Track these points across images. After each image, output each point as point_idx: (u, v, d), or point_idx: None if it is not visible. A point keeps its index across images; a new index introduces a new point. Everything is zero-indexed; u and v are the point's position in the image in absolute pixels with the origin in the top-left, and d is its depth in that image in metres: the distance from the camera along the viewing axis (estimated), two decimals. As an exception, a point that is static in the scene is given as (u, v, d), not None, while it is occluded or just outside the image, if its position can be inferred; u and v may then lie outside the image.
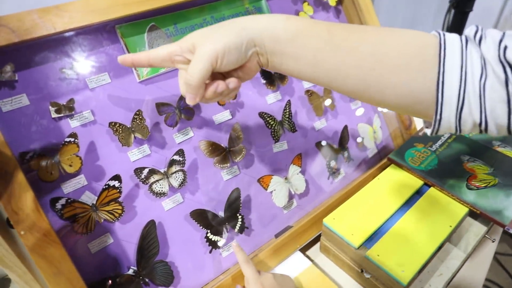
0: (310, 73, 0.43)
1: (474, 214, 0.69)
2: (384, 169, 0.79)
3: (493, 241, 0.71)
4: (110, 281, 0.56)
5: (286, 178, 0.73)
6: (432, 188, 0.72)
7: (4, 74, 0.51)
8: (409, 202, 0.71)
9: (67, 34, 0.56)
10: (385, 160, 0.81)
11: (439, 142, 0.80)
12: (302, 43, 0.41)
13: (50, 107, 0.54)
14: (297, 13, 0.79)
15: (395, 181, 0.74)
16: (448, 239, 0.66)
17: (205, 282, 0.65)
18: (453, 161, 0.75)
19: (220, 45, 0.40)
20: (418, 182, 0.74)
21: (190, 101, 0.43)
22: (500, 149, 0.77)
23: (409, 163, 0.76)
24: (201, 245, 0.65)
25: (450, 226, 0.65)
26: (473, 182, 0.70)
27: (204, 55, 0.40)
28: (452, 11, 1.12)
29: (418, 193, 0.73)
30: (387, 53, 0.38)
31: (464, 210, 0.68)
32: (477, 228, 0.69)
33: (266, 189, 0.71)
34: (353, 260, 0.65)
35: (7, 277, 0.60)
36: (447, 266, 0.64)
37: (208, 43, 0.40)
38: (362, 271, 0.64)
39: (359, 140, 0.84)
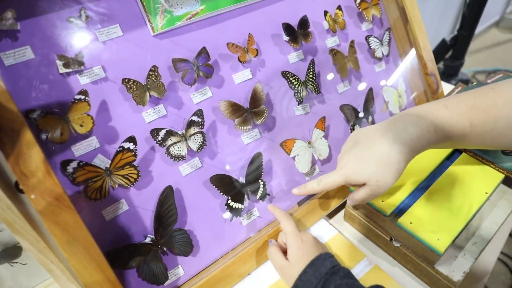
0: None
1: (509, 181, 0.65)
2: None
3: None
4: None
5: (309, 143, 0.68)
6: (464, 154, 0.68)
7: (4, 22, 0.45)
8: (440, 168, 0.66)
9: (73, -23, 0.50)
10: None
11: (471, 106, 0.75)
12: (450, 143, 0.51)
13: (57, 60, 0.49)
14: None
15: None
16: (483, 206, 0.62)
17: (225, 251, 0.62)
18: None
19: (390, 185, 0.48)
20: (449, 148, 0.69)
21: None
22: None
23: (439, 128, 0.71)
24: (221, 212, 0.61)
25: (486, 193, 0.61)
26: (509, 147, 0.66)
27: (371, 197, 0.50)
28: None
29: (449, 159, 0.69)
30: None
31: (499, 176, 0.64)
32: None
33: (289, 154, 0.66)
34: (381, 228, 0.62)
35: (19, 244, 0.57)
36: (481, 235, 0.60)
37: (382, 189, 0.48)
38: (391, 239, 0.61)
39: (384, 103, 0.79)
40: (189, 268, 0.59)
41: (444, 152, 0.68)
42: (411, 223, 0.57)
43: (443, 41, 1.99)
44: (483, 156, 0.66)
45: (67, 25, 0.50)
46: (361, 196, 0.50)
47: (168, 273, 0.57)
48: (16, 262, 0.58)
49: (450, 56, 2.08)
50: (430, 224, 0.57)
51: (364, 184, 0.49)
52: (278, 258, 0.56)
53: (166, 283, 0.57)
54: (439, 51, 2.05)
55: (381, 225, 0.61)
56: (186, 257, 0.58)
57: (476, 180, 0.63)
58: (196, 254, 0.60)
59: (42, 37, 0.49)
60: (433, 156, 0.67)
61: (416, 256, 0.58)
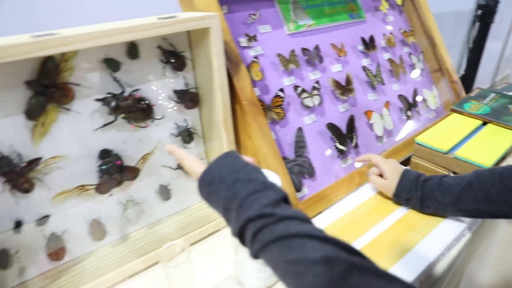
0: None
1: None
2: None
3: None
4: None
5: (381, 115, 0.97)
6: (489, 124, 0.97)
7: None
8: (476, 130, 0.95)
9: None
10: (448, 112, 1.07)
11: (488, 99, 1.06)
12: None
13: (242, 38, 0.80)
14: (376, 8, 1.09)
15: (461, 119, 1.00)
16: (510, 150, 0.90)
17: (331, 182, 0.86)
18: (502, 108, 1.01)
19: None
20: (478, 122, 0.98)
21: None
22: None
23: (469, 111, 1.01)
24: (328, 154, 0.87)
25: (509, 141, 0.89)
26: (520, 118, 0.96)
27: None
28: (477, 23, 1.45)
29: (479, 129, 0.98)
30: None
31: (513, 133, 0.93)
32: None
33: (369, 120, 0.94)
34: (442, 167, 0.87)
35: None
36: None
37: None
38: (449, 173, 0.86)
39: (420, 98, 1.10)
40: (310, 189, 0.82)
41: (475, 123, 0.97)
42: (464, 154, 0.83)
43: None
44: (505, 123, 0.95)
45: (247, 19, 0.82)
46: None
47: (301, 187, 0.80)
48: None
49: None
50: (476, 153, 0.83)
51: None
52: (379, 180, 0.81)
53: (298, 194, 0.80)
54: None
55: (441, 163, 0.87)
56: (310, 178, 0.82)
57: (503, 135, 0.91)
58: (314, 180, 0.84)
59: (234, 24, 0.80)
60: (470, 122, 0.96)
61: (471, 178, 0.83)
